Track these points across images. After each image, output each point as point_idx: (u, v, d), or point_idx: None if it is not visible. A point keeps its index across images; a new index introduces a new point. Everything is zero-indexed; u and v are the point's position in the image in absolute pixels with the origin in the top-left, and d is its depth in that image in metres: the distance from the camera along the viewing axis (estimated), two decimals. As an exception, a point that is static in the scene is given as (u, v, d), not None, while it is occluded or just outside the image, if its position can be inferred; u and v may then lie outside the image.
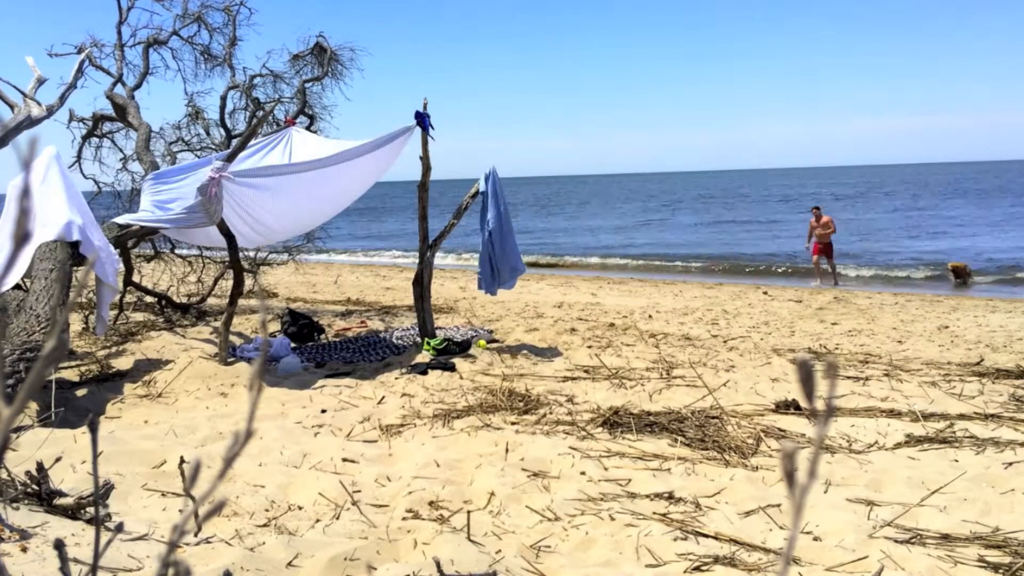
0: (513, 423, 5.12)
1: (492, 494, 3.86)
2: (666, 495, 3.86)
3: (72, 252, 5.89)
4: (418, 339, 7.76)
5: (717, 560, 3.17)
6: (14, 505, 2.93)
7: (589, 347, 7.65)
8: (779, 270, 18.44)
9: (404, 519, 3.54)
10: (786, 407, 5.40)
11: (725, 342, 8.18)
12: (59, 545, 0.73)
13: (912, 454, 4.50)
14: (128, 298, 8.97)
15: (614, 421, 5.01)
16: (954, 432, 4.85)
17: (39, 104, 8.49)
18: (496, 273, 7.53)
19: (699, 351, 7.59)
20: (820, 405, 0.54)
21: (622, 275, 18.26)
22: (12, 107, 8.35)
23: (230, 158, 6.33)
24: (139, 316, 9.07)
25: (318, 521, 3.50)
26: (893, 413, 5.29)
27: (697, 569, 3.12)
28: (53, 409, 4.47)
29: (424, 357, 7.15)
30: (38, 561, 2.53)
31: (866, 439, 4.78)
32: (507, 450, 4.53)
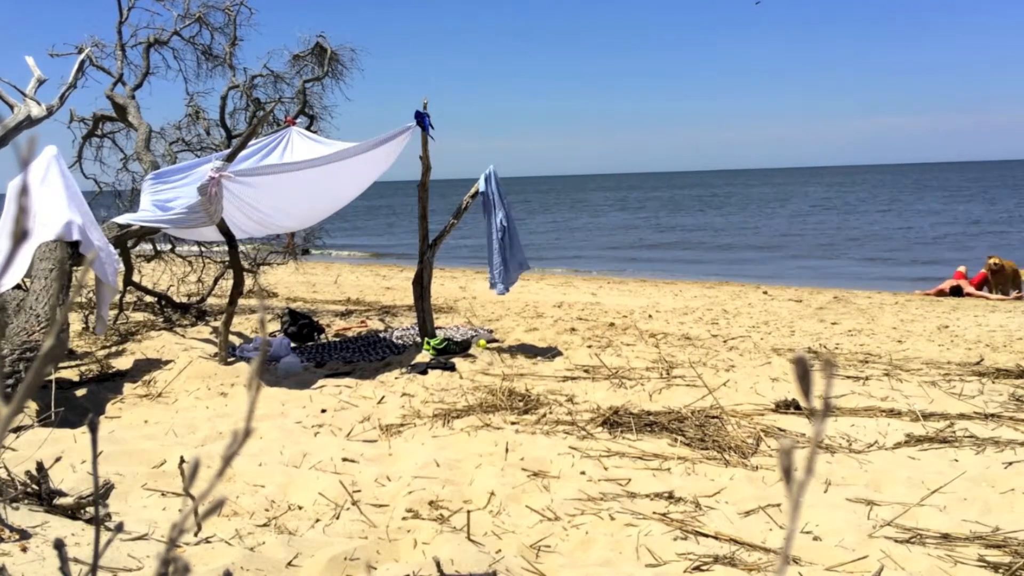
0: (513, 423, 5.12)
1: (492, 494, 3.86)
2: (666, 495, 3.86)
3: (72, 252, 5.89)
4: (418, 339, 7.75)
5: (717, 560, 3.17)
6: (14, 505, 2.93)
7: (589, 347, 7.65)
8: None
9: (404, 519, 3.54)
10: (786, 407, 5.40)
11: (725, 342, 8.18)
12: (59, 545, 0.73)
13: (912, 454, 4.50)
14: (128, 298, 8.97)
15: (614, 421, 5.01)
16: (954, 432, 4.85)
17: (39, 104, 8.50)
18: (505, 271, 7.52)
19: (699, 351, 7.59)
20: (817, 402, 0.54)
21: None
22: (12, 107, 8.36)
23: (230, 158, 6.33)
24: (139, 316, 9.07)
25: (318, 521, 3.51)
26: (893, 413, 5.29)
27: (697, 569, 3.12)
28: (53, 409, 4.46)
29: (424, 357, 7.15)
30: (38, 561, 2.53)
31: (866, 439, 4.78)
32: (507, 450, 4.53)
